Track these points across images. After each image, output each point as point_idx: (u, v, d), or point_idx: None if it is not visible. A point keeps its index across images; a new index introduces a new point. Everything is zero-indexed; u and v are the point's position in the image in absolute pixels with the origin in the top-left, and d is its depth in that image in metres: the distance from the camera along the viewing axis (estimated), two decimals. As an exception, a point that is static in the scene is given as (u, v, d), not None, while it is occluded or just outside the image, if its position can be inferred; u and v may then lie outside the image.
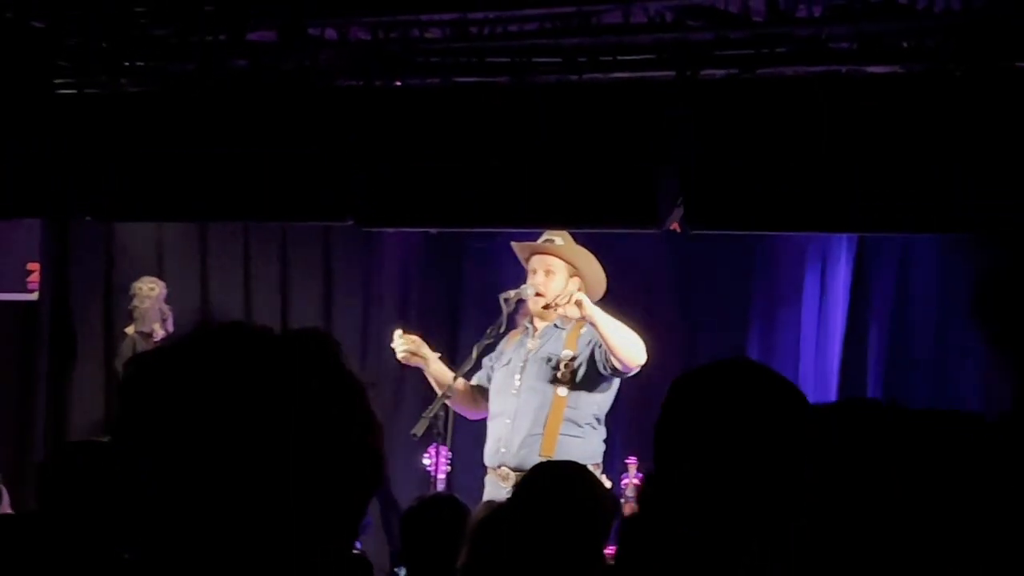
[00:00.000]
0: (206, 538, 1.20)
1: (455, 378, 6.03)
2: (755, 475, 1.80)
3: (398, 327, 6.49)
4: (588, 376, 5.90)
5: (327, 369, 1.26)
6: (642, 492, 1.95)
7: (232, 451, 1.19)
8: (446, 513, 3.66)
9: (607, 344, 5.71)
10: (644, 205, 5.15)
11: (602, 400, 5.99)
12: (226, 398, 1.21)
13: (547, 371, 5.92)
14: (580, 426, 5.92)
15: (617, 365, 5.77)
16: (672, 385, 1.88)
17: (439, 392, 6.10)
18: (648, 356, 5.85)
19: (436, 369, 6.20)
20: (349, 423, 1.25)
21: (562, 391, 5.89)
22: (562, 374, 5.89)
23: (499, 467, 5.97)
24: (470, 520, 3.44)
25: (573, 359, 5.90)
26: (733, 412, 1.81)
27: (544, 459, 5.79)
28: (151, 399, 1.23)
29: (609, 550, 6.38)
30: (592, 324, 5.73)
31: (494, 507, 3.42)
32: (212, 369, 1.22)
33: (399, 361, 6.27)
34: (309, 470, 1.22)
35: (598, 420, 6.00)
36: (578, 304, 5.77)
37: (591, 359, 5.85)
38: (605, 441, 6.07)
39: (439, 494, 4.47)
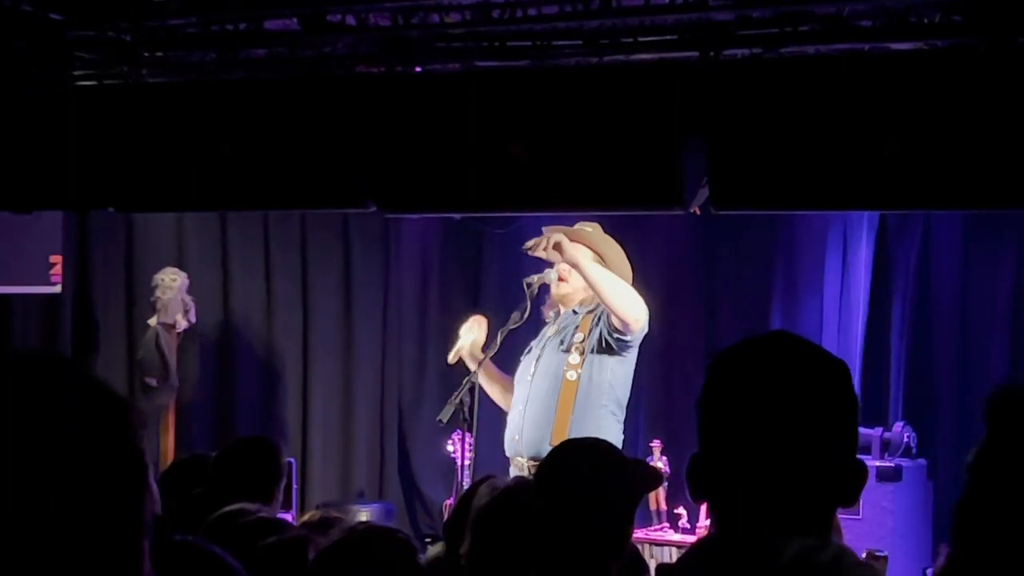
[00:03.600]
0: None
1: (479, 364, 6.02)
2: (805, 449, 1.78)
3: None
4: (598, 359, 5.82)
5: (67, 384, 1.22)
6: (691, 472, 1.90)
7: None
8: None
9: (599, 295, 5.63)
10: (669, 186, 5.13)
11: (615, 384, 5.86)
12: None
13: (559, 357, 5.87)
14: (593, 412, 5.83)
15: (615, 322, 5.69)
16: (713, 363, 1.85)
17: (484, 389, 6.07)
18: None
19: (488, 376, 6.14)
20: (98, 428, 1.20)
21: (571, 375, 5.82)
22: (572, 357, 5.84)
23: (515, 457, 5.93)
24: (473, 504, 3.41)
25: (583, 341, 5.84)
26: (780, 386, 1.79)
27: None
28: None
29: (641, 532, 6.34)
30: (576, 268, 5.67)
31: (497, 492, 3.39)
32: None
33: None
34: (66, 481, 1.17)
35: (616, 406, 5.88)
36: (557, 247, 5.70)
37: (599, 333, 5.79)
38: (624, 431, 5.95)
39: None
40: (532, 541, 2.96)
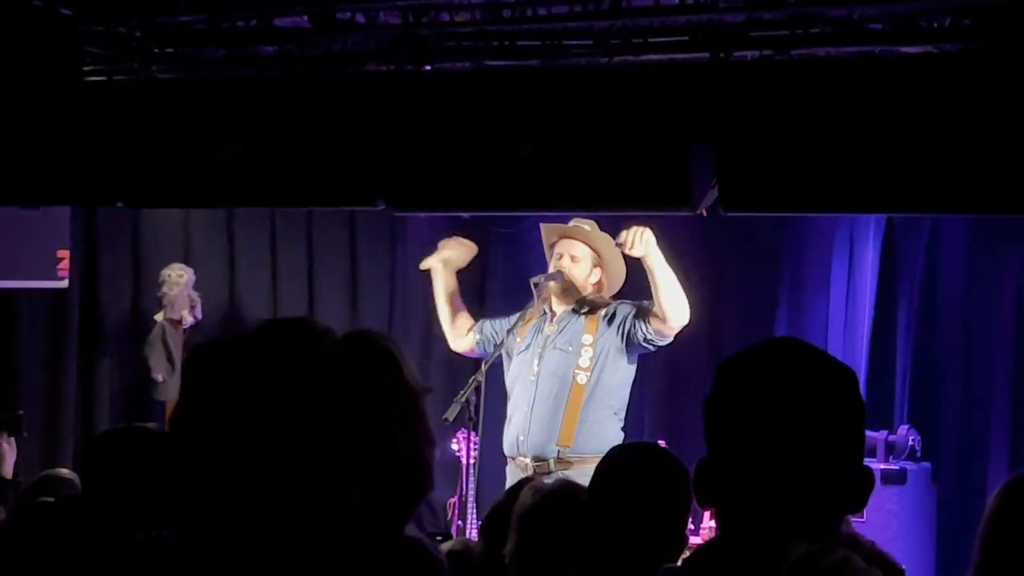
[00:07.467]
0: (251, 527, 1.21)
1: (486, 364, 6.02)
2: (813, 456, 1.78)
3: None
4: (609, 362, 5.85)
5: (386, 377, 1.27)
6: (697, 477, 1.90)
7: (284, 446, 1.20)
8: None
9: (659, 292, 5.68)
10: (678, 187, 5.13)
11: (620, 388, 5.92)
12: (285, 394, 1.21)
13: (566, 358, 5.88)
14: (599, 414, 5.85)
15: (658, 325, 5.73)
16: (720, 368, 1.86)
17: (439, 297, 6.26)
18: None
19: (444, 283, 6.38)
20: (402, 431, 1.26)
21: (582, 378, 5.83)
22: (583, 360, 5.84)
23: (517, 457, 5.93)
24: (517, 505, 3.41)
25: (592, 344, 5.85)
26: (788, 393, 1.79)
27: (562, 449, 5.75)
28: (216, 388, 1.23)
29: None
30: (649, 268, 5.68)
31: (543, 492, 3.40)
32: (275, 365, 1.23)
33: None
34: (361, 470, 1.23)
35: (620, 407, 5.93)
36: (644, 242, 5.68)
37: (626, 333, 5.81)
38: (624, 430, 5.98)
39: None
40: (577, 542, 2.96)
